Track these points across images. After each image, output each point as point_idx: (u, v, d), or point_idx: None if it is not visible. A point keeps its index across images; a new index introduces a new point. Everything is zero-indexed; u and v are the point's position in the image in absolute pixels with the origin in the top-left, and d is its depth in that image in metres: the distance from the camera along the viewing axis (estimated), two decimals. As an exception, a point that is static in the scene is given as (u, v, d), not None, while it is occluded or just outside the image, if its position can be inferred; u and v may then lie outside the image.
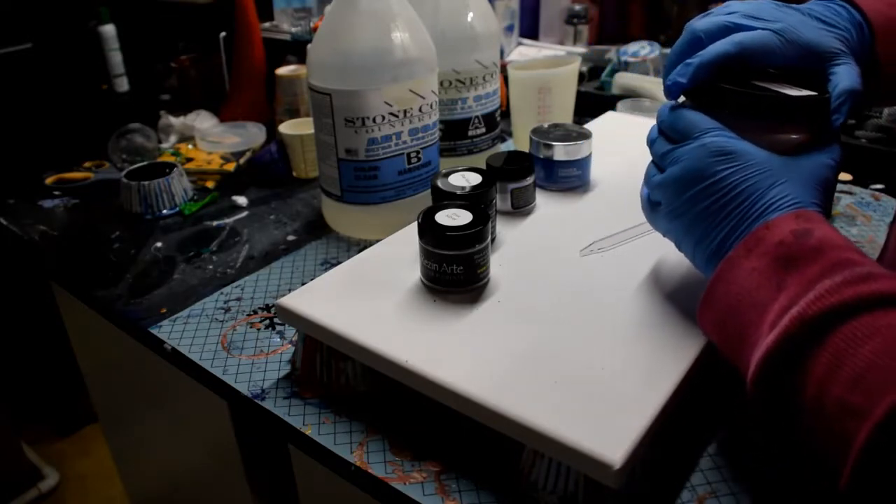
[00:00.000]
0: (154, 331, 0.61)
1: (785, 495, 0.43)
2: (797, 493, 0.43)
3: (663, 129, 0.47)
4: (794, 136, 0.44)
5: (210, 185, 0.90)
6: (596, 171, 0.70)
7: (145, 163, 0.87)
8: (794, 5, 0.48)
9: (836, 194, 0.81)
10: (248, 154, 0.97)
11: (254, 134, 1.02)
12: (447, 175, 0.59)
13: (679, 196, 0.44)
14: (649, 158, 0.53)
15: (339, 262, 0.61)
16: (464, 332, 0.47)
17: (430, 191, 0.58)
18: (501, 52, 1.24)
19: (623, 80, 1.06)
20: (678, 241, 0.46)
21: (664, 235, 0.48)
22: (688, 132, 0.44)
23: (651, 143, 0.48)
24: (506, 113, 0.95)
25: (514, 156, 0.64)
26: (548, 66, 0.87)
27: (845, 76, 0.44)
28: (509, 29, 1.30)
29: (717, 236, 0.42)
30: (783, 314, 0.36)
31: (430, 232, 0.50)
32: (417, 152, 0.70)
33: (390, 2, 0.66)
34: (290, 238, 0.76)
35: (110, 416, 1.01)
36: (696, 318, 0.44)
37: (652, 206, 0.48)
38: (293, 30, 1.34)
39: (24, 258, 1.38)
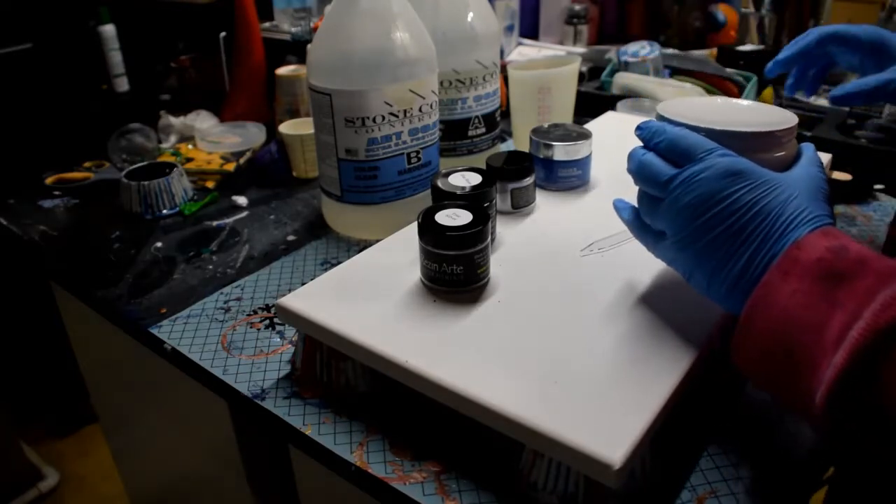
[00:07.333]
0: (154, 331, 0.61)
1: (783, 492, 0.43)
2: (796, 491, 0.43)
3: (659, 150, 0.45)
4: (780, 154, 0.45)
5: (210, 185, 0.90)
6: (596, 171, 0.70)
7: (145, 163, 0.87)
8: None
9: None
10: (248, 154, 0.97)
11: (254, 134, 1.02)
12: (447, 175, 0.59)
13: (692, 222, 0.42)
14: None
15: (339, 262, 0.61)
16: (464, 332, 0.47)
17: (430, 191, 0.58)
18: (501, 52, 1.24)
19: (623, 80, 1.06)
20: (689, 271, 0.44)
21: (670, 265, 0.46)
22: (689, 153, 0.43)
23: (643, 169, 0.45)
24: (506, 113, 0.95)
25: (514, 156, 0.64)
26: (548, 66, 0.87)
27: None
28: (509, 29, 1.30)
29: (738, 261, 0.40)
30: (846, 330, 0.35)
31: (430, 232, 0.50)
32: (417, 152, 0.70)
33: (390, 2, 0.66)
34: (290, 238, 0.76)
35: (110, 416, 1.01)
36: (731, 353, 0.41)
37: (655, 236, 0.46)
38: (293, 30, 1.34)
39: (24, 258, 1.38)
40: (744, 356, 0.40)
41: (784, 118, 0.47)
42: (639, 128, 0.47)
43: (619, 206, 0.51)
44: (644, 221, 0.47)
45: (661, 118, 0.48)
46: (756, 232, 0.40)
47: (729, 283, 0.41)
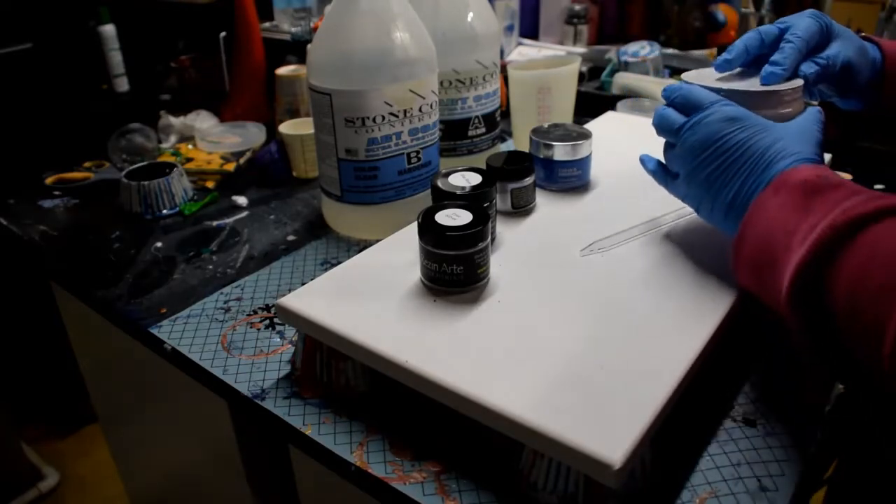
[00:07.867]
0: (154, 331, 0.61)
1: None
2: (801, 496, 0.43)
3: (675, 104, 0.52)
4: (785, 111, 0.52)
5: (210, 185, 0.90)
6: (596, 171, 0.70)
7: (145, 163, 0.87)
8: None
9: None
10: (248, 154, 0.97)
11: (254, 134, 1.02)
12: (447, 175, 0.59)
13: (695, 159, 0.49)
14: None
15: (339, 262, 0.61)
16: (464, 332, 0.47)
17: (430, 191, 0.58)
18: (501, 52, 1.24)
19: (623, 80, 1.06)
20: (697, 202, 0.51)
21: (683, 200, 0.54)
22: (699, 105, 0.50)
23: (661, 120, 0.53)
24: (506, 113, 0.95)
25: (514, 156, 0.64)
26: (548, 66, 0.87)
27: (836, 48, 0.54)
28: (509, 29, 1.30)
29: (731, 189, 0.47)
30: (811, 232, 0.39)
31: (430, 232, 0.50)
32: (417, 152, 0.70)
33: (390, 2, 0.66)
34: (290, 238, 0.76)
35: (110, 416, 1.01)
36: (732, 265, 0.47)
37: (672, 176, 0.54)
38: (293, 30, 1.34)
39: (24, 258, 1.38)
40: (740, 269, 0.46)
41: (791, 82, 0.53)
42: (664, 89, 0.54)
43: (644, 158, 0.58)
44: (665, 169, 0.55)
45: (683, 82, 0.55)
46: (745, 167, 0.47)
47: (724, 209, 0.48)
